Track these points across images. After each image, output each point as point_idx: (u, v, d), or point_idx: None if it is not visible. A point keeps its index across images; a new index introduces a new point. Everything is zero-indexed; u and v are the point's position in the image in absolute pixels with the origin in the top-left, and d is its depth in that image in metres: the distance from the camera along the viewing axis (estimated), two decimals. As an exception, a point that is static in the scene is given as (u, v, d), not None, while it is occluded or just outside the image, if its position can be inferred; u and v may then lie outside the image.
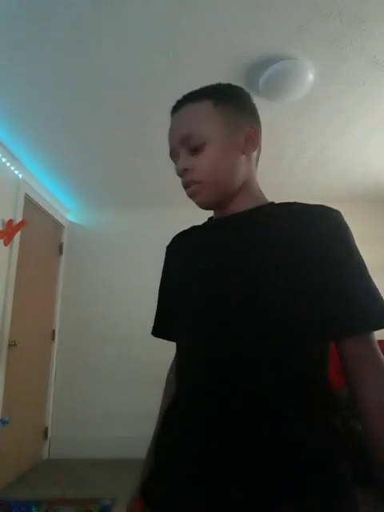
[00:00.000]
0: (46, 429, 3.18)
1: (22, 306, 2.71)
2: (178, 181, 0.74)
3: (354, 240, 0.65)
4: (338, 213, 0.67)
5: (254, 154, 0.75)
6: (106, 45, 1.69)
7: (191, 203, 0.76)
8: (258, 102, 2.34)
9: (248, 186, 0.74)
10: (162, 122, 2.43)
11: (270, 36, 1.64)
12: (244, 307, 0.60)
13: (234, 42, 1.68)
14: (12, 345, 2.56)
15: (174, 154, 0.73)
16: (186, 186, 0.71)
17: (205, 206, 0.73)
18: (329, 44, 1.68)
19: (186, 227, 0.86)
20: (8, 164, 2.57)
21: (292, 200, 0.72)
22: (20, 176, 2.70)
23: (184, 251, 0.78)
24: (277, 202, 0.74)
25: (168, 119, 0.75)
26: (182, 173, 0.70)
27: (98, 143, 2.53)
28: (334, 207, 0.69)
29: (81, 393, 3.28)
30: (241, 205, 0.72)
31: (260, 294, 0.60)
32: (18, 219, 2.63)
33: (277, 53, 1.74)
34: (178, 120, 0.71)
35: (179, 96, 0.76)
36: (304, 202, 0.69)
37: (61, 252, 3.49)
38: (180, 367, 0.71)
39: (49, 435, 3.18)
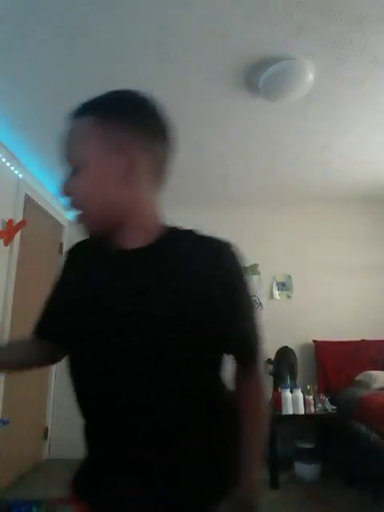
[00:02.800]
0: (46, 429, 3.18)
1: (22, 306, 2.71)
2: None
3: (245, 275, 0.69)
4: (233, 246, 0.69)
5: (143, 175, 0.65)
6: (105, 45, 1.69)
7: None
8: (258, 102, 2.35)
9: (137, 214, 0.66)
10: (162, 122, 2.44)
11: (269, 36, 1.64)
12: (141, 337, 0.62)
13: (234, 42, 1.68)
14: (12, 345, 2.55)
15: (63, 165, 0.68)
16: (70, 207, 0.67)
17: (93, 236, 0.68)
18: (329, 44, 1.68)
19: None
20: (8, 164, 2.57)
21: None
22: (20, 176, 2.70)
23: (89, 270, 0.71)
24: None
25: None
26: (64, 190, 0.66)
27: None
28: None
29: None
30: (135, 238, 0.65)
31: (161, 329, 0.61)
32: (18, 219, 2.63)
33: (277, 53, 1.74)
34: (67, 133, 0.67)
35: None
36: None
37: (61, 252, 3.49)
38: (76, 376, 0.73)
39: (49, 435, 3.18)
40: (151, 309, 0.61)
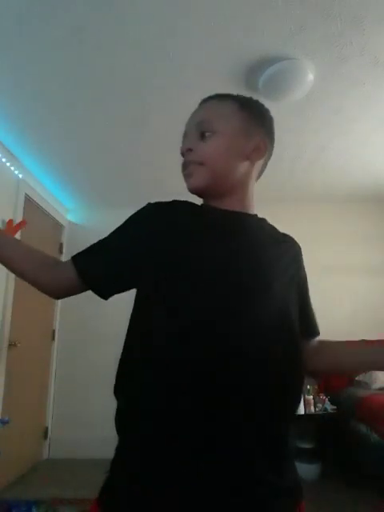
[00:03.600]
0: (46, 429, 3.18)
1: (22, 306, 2.71)
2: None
3: None
4: None
5: (258, 163, 0.78)
6: (105, 45, 1.69)
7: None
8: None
9: (244, 189, 0.77)
10: (162, 122, 2.44)
11: (270, 36, 1.64)
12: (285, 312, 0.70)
13: (234, 42, 1.68)
14: (12, 345, 2.56)
15: (184, 137, 0.77)
16: (184, 166, 0.74)
17: (195, 190, 0.74)
18: (329, 44, 1.68)
19: None
20: (8, 164, 2.57)
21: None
22: (20, 176, 2.70)
23: (207, 229, 0.70)
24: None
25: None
26: (184, 151, 0.74)
27: (98, 143, 2.52)
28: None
29: (81, 393, 3.28)
30: (233, 204, 0.74)
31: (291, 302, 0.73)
32: (18, 219, 2.63)
33: (277, 53, 1.74)
34: (201, 108, 0.77)
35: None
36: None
37: (61, 252, 3.49)
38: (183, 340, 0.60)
39: (49, 435, 3.18)
40: (286, 285, 0.72)
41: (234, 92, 0.80)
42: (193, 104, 0.83)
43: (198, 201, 0.78)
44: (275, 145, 0.85)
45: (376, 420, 2.31)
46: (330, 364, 0.78)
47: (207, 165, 0.71)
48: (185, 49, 1.72)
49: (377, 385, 2.73)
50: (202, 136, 0.72)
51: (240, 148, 0.73)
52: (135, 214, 0.72)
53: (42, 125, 2.31)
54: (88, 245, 0.73)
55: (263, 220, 0.81)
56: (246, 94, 0.83)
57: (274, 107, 2.21)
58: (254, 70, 1.85)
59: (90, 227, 3.62)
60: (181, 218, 0.70)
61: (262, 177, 0.86)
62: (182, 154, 0.75)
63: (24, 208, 2.73)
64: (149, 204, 0.72)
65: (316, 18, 1.54)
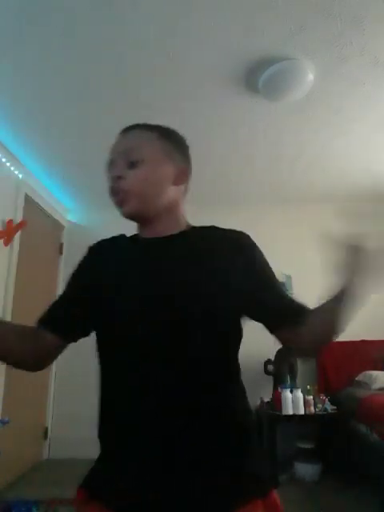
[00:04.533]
0: (46, 429, 3.18)
1: (22, 306, 2.71)
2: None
3: (262, 254, 0.84)
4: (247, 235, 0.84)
5: (182, 187, 0.83)
6: (105, 45, 1.69)
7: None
8: (258, 102, 2.34)
9: (174, 211, 0.82)
10: (163, 122, 2.44)
11: (269, 36, 1.64)
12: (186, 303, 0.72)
13: (234, 42, 1.68)
14: (12, 345, 2.56)
15: (110, 165, 0.81)
16: (115, 192, 0.78)
17: (129, 216, 0.79)
18: (329, 44, 1.68)
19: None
20: (8, 164, 2.57)
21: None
22: (20, 176, 2.70)
23: (118, 259, 0.80)
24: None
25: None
26: (115, 179, 0.77)
27: (98, 143, 2.52)
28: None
29: (81, 393, 3.27)
30: (166, 227, 0.79)
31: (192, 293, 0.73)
32: (18, 219, 2.63)
33: (277, 53, 1.74)
34: (124, 137, 0.81)
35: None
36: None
37: (61, 252, 3.49)
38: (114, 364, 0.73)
39: (49, 435, 3.19)
40: (195, 285, 0.72)
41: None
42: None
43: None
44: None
45: (376, 420, 2.31)
46: (319, 326, 0.79)
47: (138, 192, 0.76)
48: (185, 49, 1.72)
49: (377, 385, 2.73)
50: (130, 164, 0.76)
51: (166, 174, 0.80)
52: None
53: (42, 125, 2.31)
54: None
55: (194, 232, 0.82)
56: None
57: (274, 107, 2.25)
58: (254, 70, 1.85)
59: (89, 227, 3.62)
60: (102, 254, 0.82)
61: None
62: (111, 181, 0.79)
63: (24, 208, 2.73)
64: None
65: (316, 18, 1.55)
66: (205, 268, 0.74)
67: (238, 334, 0.78)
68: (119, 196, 0.77)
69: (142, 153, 0.77)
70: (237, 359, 0.77)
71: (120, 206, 0.78)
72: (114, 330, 0.73)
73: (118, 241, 0.85)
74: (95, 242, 0.87)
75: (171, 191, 0.80)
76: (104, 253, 0.83)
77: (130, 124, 0.83)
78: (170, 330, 0.68)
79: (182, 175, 0.83)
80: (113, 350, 0.73)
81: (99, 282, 0.77)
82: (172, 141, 0.84)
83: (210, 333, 0.70)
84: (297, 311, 0.79)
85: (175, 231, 0.80)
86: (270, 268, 0.82)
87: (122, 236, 0.86)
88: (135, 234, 0.86)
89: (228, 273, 0.74)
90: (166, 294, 0.71)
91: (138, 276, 0.75)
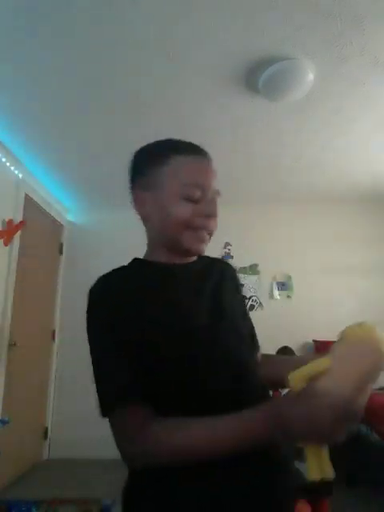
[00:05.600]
0: (46, 429, 3.18)
1: (22, 306, 2.71)
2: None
3: None
4: None
5: None
6: (105, 45, 1.69)
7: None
8: (258, 102, 2.34)
9: None
10: (163, 122, 2.44)
11: (269, 36, 1.64)
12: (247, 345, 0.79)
13: (234, 42, 1.68)
14: (12, 345, 2.56)
15: (199, 193, 0.73)
16: (206, 228, 0.74)
17: (197, 254, 0.79)
18: (329, 44, 1.68)
19: None
20: (8, 164, 2.57)
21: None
22: (20, 176, 2.70)
23: (168, 294, 0.72)
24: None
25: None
26: (212, 218, 0.75)
27: (98, 143, 2.53)
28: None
29: (81, 393, 3.27)
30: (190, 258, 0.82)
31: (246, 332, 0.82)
32: (18, 219, 2.63)
33: (277, 53, 1.74)
34: (213, 171, 0.79)
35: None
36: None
37: (61, 252, 3.49)
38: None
39: (49, 435, 3.19)
40: (236, 319, 0.79)
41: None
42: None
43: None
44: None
45: (376, 420, 2.31)
46: (267, 374, 0.80)
47: (211, 236, 0.78)
48: (185, 49, 1.72)
49: (377, 385, 2.73)
50: (212, 201, 0.76)
51: None
52: (93, 317, 0.68)
53: (43, 125, 2.31)
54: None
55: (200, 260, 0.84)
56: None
57: (274, 107, 2.24)
58: (254, 70, 1.85)
59: (89, 227, 3.63)
60: (137, 293, 0.69)
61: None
62: (205, 218, 0.74)
63: (24, 208, 2.73)
64: (92, 295, 0.69)
65: (316, 18, 1.54)
66: (232, 294, 0.82)
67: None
68: (204, 236, 0.75)
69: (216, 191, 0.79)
70: None
71: (201, 242, 0.75)
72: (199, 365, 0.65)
73: (141, 272, 0.75)
74: (107, 285, 0.71)
75: None
76: (138, 291, 0.69)
77: (203, 149, 0.79)
78: (243, 350, 0.74)
79: None
80: (200, 384, 0.63)
81: (172, 328, 0.66)
82: None
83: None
84: (257, 343, 0.88)
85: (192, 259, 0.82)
86: None
87: (136, 265, 0.79)
88: (146, 260, 0.80)
89: (240, 298, 0.87)
90: (227, 317, 0.75)
91: (197, 302, 0.75)
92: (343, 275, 3.44)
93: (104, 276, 0.72)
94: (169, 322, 0.66)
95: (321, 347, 3.20)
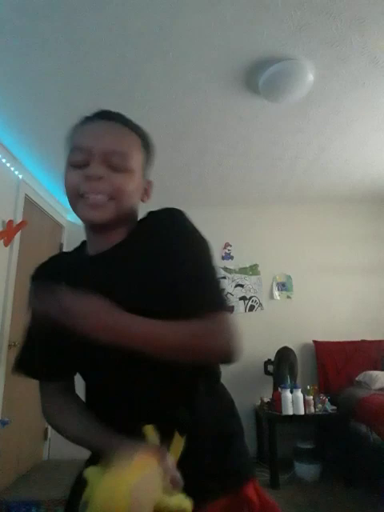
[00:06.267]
0: (46, 429, 3.18)
1: (22, 306, 2.71)
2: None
3: (191, 229, 0.71)
4: (174, 210, 0.73)
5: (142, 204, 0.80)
6: (105, 45, 1.69)
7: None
8: (258, 102, 2.34)
9: (129, 224, 0.76)
10: (162, 122, 2.44)
11: (269, 36, 1.64)
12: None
13: (234, 42, 1.68)
14: (12, 345, 2.56)
15: (82, 156, 0.69)
16: (92, 191, 0.68)
17: (99, 223, 0.70)
18: (329, 44, 1.68)
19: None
20: (8, 164, 2.57)
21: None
22: (20, 177, 2.70)
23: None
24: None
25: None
26: (94, 179, 0.67)
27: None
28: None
29: (81, 393, 3.27)
30: (118, 236, 0.74)
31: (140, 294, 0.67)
32: (18, 220, 2.63)
33: (277, 53, 1.74)
34: (105, 132, 0.71)
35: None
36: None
37: (61, 252, 3.49)
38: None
39: (49, 435, 3.18)
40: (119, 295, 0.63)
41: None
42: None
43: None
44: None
45: (376, 420, 2.31)
46: None
47: (117, 200, 0.69)
48: (185, 49, 1.72)
49: (377, 385, 2.73)
50: (112, 168, 0.69)
51: (139, 187, 0.75)
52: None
53: (42, 125, 2.31)
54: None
55: (132, 231, 0.75)
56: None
57: (274, 107, 2.24)
58: (254, 70, 1.85)
59: (89, 227, 3.62)
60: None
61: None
62: (84, 179, 0.68)
63: (24, 208, 2.73)
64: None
65: (316, 18, 1.55)
66: (130, 273, 0.69)
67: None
68: (97, 198, 0.68)
69: (130, 161, 0.70)
70: None
71: (92, 209, 0.68)
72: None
73: (62, 262, 0.83)
74: (33, 271, 0.85)
75: (137, 202, 0.77)
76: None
77: (105, 109, 0.76)
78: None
79: (149, 191, 0.80)
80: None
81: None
82: (150, 152, 0.79)
83: None
84: (205, 305, 0.65)
85: (124, 237, 0.74)
86: (192, 247, 0.69)
87: (64, 255, 0.83)
88: (80, 249, 0.83)
89: (148, 271, 0.68)
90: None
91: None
92: (343, 275, 3.45)
93: (43, 262, 0.86)
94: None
95: (321, 347, 3.20)
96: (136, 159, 0.72)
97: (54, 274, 0.78)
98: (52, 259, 0.86)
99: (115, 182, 0.68)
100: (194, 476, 0.57)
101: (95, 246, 0.76)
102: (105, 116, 0.74)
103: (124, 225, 0.74)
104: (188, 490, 0.55)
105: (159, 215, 0.73)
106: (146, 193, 0.79)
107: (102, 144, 0.69)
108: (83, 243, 0.83)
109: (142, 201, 0.78)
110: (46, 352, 0.76)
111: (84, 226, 0.77)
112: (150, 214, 0.75)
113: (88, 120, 0.75)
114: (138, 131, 0.76)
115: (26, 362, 0.82)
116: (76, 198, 0.70)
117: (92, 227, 0.74)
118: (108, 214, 0.69)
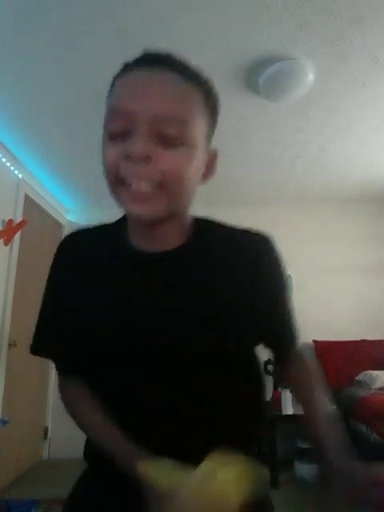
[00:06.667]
0: (46, 429, 3.18)
1: (22, 306, 2.71)
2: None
3: (284, 265, 0.70)
4: (272, 241, 0.68)
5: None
6: (105, 45, 1.69)
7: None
8: (258, 102, 2.34)
9: (185, 216, 0.62)
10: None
11: (270, 36, 1.64)
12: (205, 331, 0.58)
13: (234, 42, 1.68)
14: (12, 345, 2.56)
15: (121, 122, 0.50)
16: (134, 176, 0.50)
17: (147, 220, 0.53)
18: (329, 44, 1.68)
19: (214, 220, 0.71)
20: (8, 164, 2.57)
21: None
22: (20, 176, 2.70)
23: (103, 279, 0.61)
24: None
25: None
26: (138, 158, 0.48)
27: (98, 143, 2.52)
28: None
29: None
30: (174, 237, 0.60)
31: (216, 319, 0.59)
32: (18, 219, 2.63)
33: (277, 53, 1.74)
34: (159, 87, 0.50)
35: None
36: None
37: (61, 252, 3.49)
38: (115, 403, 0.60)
39: (49, 435, 3.18)
40: (194, 309, 0.57)
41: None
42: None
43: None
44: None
45: (376, 420, 2.31)
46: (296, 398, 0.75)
47: (170, 189, 0.50)
48: (184, 49, 1.71)
49: (377, 385, 2.73)
50: (163, 140, 0.49)
51: (202, 166, 0.57)
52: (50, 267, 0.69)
53: (42, 125, 2.30)
54: None
55: (200, 240, 0.62)
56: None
57: (274, 107, 2.24)
58: (254, 70, 1.85)
59: (89, 227, 3.62)
60: (82, 268, 0.63)
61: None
62: (130, 157, 0.49)
63: (24, 208, 2.73)
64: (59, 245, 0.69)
65: (316, 18, 1.54)
66: (220, 297, 0.58)
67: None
68: (139, 186, 0.49)
69: (188, 132, 0.50)
70: None
71: (135, 202, 0.50)
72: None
73: (101, 249, 0.63)
74: (68, 237, 0.68)
75: (196, 186, 0.57)
76: (84, 267, 0.63)
77: (152, 51, 0.55)
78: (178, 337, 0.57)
79: (213, 165, 0.61)
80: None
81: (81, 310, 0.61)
82: (215, 110, 0.60)
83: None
84: (283, 340, 0.70)
85: (181, 241, 0.60)
86: (286, 292, 0.70)
87: (96, 233, 0.65)
88: (117, 229, 0.64)
89: (244, 299, 0.60)
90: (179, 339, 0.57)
91: (138, 313, 0.58)
92: (343, 275, 3.44)
93: (73, 233, 0.68)
94: (86, 311, 0.60)
95: (321, 347, 3.20)
96: (198, 126, 0.52)
97: (91, 260, 0.62)
98: (82, 235, 0.67)
99: (168, 163, 0.49)
100: None
101: (143, 240, 0.60)
102: (153, 62, 0.52)
103: (179, 220, 0.59)
104: None
105: (260, 242, 0.64)
106: (208, 169, 0.59)
107: (149, 107, 0.49)
108: (120, 222, 0.65)
109: (204, 181, 0.60)
110: (73, 334, 0.62)
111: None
112: (236, 235, 0.64)
113: (129, 68, 0.53)
114: (200, 80, 0.56)
115: (47, 342, 0.66)
116: (116, 184, 0.52)
117: (145, 224, 0.57)
118: (158, 209, 0.51)
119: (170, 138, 0.49)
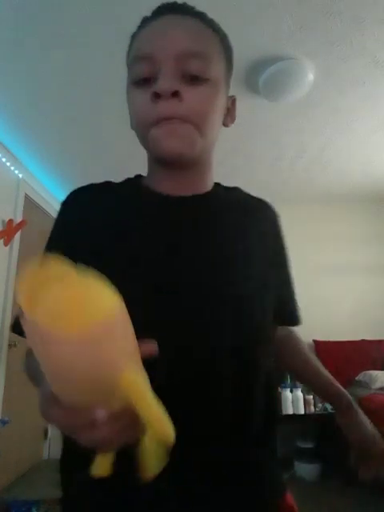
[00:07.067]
0: (46, 429, 3.18)
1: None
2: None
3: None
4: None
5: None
6: (105, 45, 1.69)
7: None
8: (258, 102, 2.34)
9: (209, 162, 0.61)
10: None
11: (270, 36, 1.64)
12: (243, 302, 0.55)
13: (234, 42, 1.67)
14: (12, 345, 2.56)
15: (146, 66, 0.51)
16: (164, 114, 0.50)
17: (177, 158, 0.52)
18: (329, 44, 1.68)
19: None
20: (8, 164, 2.57)
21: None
22: (20, 176, 2.70)
23: (134, 217, 0.57)
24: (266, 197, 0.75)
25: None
26: (168, 95, 0.48)
27: (99, 143, 2.52)
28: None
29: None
30: (200, 182, 0.59)
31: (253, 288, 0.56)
32: (18, 219, 2.63)
33: (277, 53, 1.74)
34: (180, 26, 0.52)
35: None
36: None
37: (61, 252, 3.49)
38: None
39: (49, 435, 3.18)
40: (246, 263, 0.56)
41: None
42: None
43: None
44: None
45: (376, 420, 2.30)
46: (285, 365, 0.77)
47: (200, 127, 0.51)
48: (185, 49, 1.72)
49: (377, 385, 2.73)
50: (188, 77, 0.50)
51: (223, 106, 0.57)
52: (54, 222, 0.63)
53: (42, 125, 2.30)
54: None
55: (226, 193, 0.65)
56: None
57: (274, 107, 2.24)
58: (254, 70, 1.85)
59: (89, 227, 3.62)
60: (101, 215, 0.59)
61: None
62: (156, 95, 0.49)
63: (24, 208, 2.73)
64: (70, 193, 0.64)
65: (316, 18, 1.54)
66: (254, 243, 0.59)
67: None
68: (172, 125, 0.50)
69: (212, 66, 0.52)
70: None
71: (168, 137, 0.50)
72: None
73: (120, 195, 0.59)
74: (76, 191, 0.65)
75: (218, 128, 0.57)
76: (103, 214, 0.58)
77: (169, 1, 0.56)
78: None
79: (233, 111, 0.62)
80: None
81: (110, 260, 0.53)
82: (231, 59, 0.61)
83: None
84: (286, 317, 0.68)
85: (206, 189, 0.60)
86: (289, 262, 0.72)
87: (122, 185, 0.61)
88: (139, 186, 0.61)
89: (270, 252, 0.62)
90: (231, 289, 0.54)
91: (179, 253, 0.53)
92: (343, 275, 3.44)
93: (80, 188, 0.66)
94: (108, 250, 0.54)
95: (321, 347, 3.20)
96: (219, 65, 0.54)
97: (114, 207, 0.58)
98: (93, 187, 0.65)
99: (194, 100, 0.50)
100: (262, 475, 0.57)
101: (170, 185, 0.57)
102: (171, 9, 0.54)
103: (204, 163, 0.58)
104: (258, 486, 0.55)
105: (273, 210, 0.69)
106: (229, 113, 0.61)
107: (173, 45, 0.50)
108: (125, 182, 0.63)
109: (225, 125, 0.61)
110: None
111: (149, 163, 0.60)
112: (253, 198, 0.67)
113: (148, 20, 0.56)
114: (216, 27, 0.58)
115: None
116: (147, 126, 0.52)
117: (172, 165, 0.55)
118: (193, 148, 0.52)
119: (195, 75, 0.50)
